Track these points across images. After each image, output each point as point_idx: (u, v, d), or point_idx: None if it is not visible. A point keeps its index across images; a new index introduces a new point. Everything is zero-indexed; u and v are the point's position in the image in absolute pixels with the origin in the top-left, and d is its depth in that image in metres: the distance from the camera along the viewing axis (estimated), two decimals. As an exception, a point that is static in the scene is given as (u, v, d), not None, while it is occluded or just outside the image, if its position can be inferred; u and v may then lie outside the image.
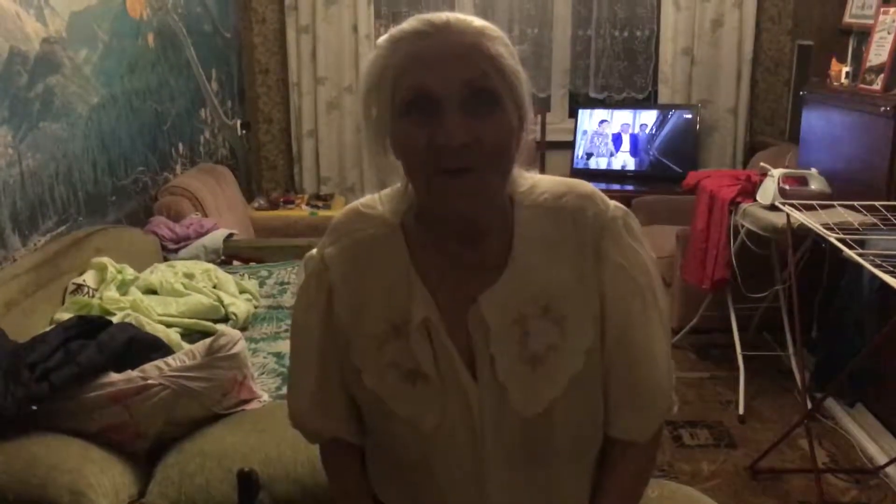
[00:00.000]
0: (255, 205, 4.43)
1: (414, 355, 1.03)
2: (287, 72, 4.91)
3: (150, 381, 1.66)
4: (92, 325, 1.80)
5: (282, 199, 4.47)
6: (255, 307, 2.81)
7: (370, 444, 1.18)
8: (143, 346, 1.79)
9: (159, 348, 1.83)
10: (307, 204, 4.48)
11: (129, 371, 1.69)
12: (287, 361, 2.43)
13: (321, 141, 4.90)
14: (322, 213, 4.27)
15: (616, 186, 4.52)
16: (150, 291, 2.63)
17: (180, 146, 3.82)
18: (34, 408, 1.53)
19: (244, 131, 4.74)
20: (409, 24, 1.00)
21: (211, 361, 1.74)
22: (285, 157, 5.09)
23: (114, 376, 1.67)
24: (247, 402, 1.82)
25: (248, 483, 1.36)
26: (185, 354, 1.76)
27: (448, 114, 0.94)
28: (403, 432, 1.07)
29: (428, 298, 1.03)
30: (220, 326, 2.48)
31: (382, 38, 1.02)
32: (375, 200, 1.11)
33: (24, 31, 2.46)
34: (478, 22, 0.99)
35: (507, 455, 1.05)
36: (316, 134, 4.90)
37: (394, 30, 1.01)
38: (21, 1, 2.44)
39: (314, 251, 1.14)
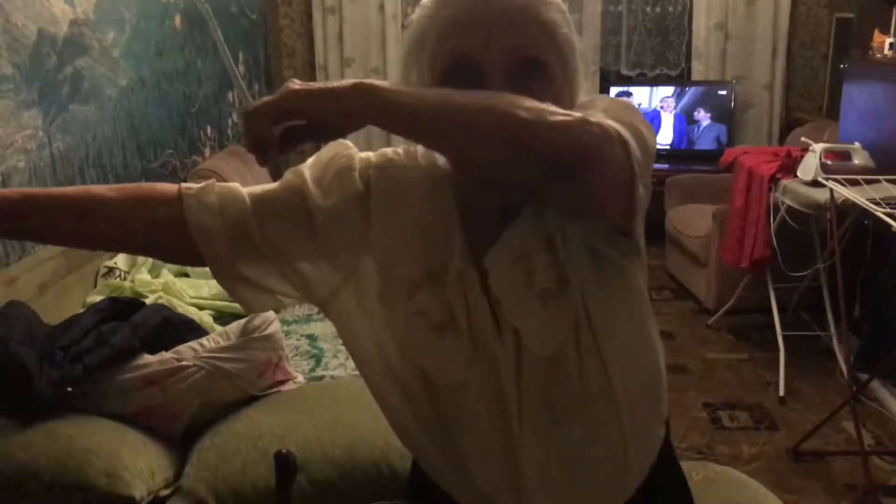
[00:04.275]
0: (283, 188, 4.41)
1: (450, 307, 0.98)
2: (314, 54, 4.88)
3: (184, 363, 1.64)
4: (124, 307, 1.77)
5: (310, 182, 4.45)
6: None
7: (392, 394, 1.08)
8: (177, 328, 1.77)
9: (193, 329, 1.81)
10: (336, 186, 4.45)
11: (163, 353, 1.67)
12: (320, 343, 2.42)
13: (348, 124, 4.88)
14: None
15: (649, 165, 4.46)
16: (182, 274, 2.61)
17: (208, 129, 3.80)
18: (69, 389, 1.51)
19: (271, 114, 4.71)
20: None
21: (246, 342, 1.71)
22: (312, 140, 5.07)
23: (148, 358, 1.65)
24: (282, 383, 1.79)
25: (285, 465, 1.33)
26: (220, 335, 1.73)
27: (491, 83, 0.88)
28: (422, 386, 1.02)
29: (467, 250, 0.98)
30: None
31: None
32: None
33: (51, 13, 2.44)
34: None
35: (532, 408, 0.98)
36: (343, 116, 4.88)
37: None
38: (48, -19, 2.42)
39: (352, 156, 1.03)
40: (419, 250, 1.00)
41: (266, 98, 0.79)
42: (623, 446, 1.02)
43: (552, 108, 0.79)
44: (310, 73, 4.94)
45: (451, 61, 0.90)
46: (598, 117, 0.83)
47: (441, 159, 1.01)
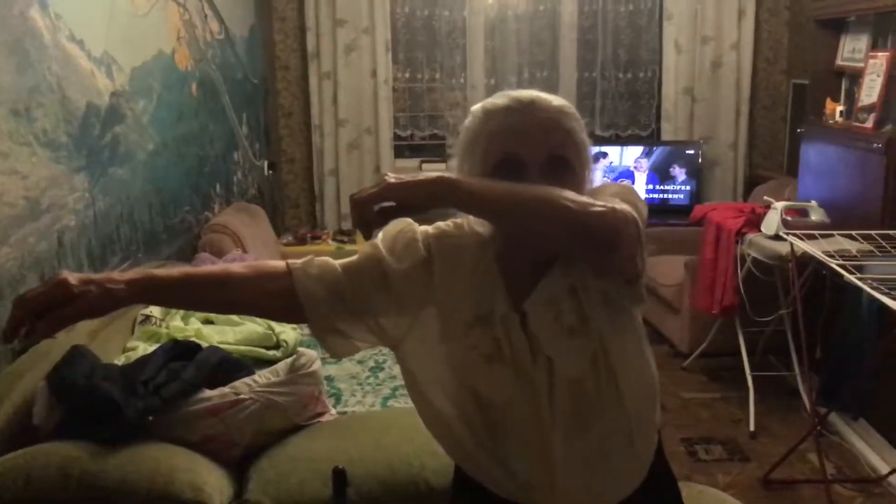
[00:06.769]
0: (284, 240, 4.67)
1: (497, 342, 1.25)
2: (310, 115, 5.17)
3: (241, 396, 1.89)
4: (184, 348, 2.03)
5: (309, 235, 4.72)
6: (302, 335, 3.03)
7: (449, 413, 1.33)
8: (231, 367, 2.02)
9: (242, 368, 2.05)
10: (333, 239, 4.72)
11: (222, 388, 1.92)
12: (336, 384, 2.67)
13: (342, 179, 5.16)
14: (348, 247, 4.51)
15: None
16: (208, 321, 2.85)
17: (217, 187, 4.07)
18: (150, 418, 1.75)
19: (270, 171, 4.99)
20: (499, 99, 1.24)
21: (293, 378, 1.97)
22: (307, 195, 5.34)
23: (209, 392, 1.90)
24: (321, 414, 2.04)
25: (341, 479, 1.58)
26: (270, 372, 1.99)
27: (531, 175, 1.18)
28: (474, 404, 1.28)
29: (507, 297, 1.26)
30: (272, 353, 2.71)
31: (476, 108, 1.27)
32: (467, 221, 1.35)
33: (97, 87, 2.72)
34: (556, 101, 1.24)
35: (561, 418, 1.25)
36: (337, 173, 5.16)
37: (486, 102, 1.26)
38: (95, 60, 2.70)
39: (415, 230, 1.31)
40: (471, 299, 1.29)
41: (370, 189, 1.06)
42: (631, 444, 1.31)
43: (590, 199, 1.09)
44: (305, 132, 5.23)
45: (500, 158, 1.21)
46: (614, 202, 1.12)
47: (483, 228, 1.32)
